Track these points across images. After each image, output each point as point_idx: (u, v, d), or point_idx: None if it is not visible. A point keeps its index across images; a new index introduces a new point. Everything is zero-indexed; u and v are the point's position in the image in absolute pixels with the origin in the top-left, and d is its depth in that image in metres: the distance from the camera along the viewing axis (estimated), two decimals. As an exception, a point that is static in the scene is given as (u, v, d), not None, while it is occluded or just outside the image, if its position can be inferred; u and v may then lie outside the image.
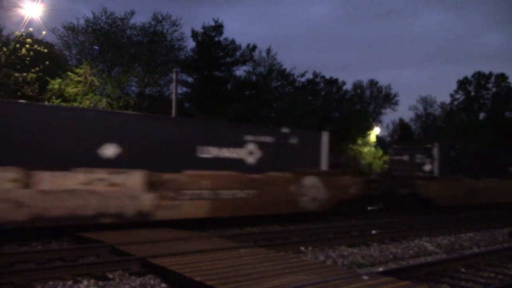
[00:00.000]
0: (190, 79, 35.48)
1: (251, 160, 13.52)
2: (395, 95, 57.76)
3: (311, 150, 15.14)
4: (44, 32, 18.24)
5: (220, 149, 12.86)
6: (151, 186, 11.47)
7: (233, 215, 12.96)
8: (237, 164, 13.18)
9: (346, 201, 15.95)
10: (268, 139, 13.96)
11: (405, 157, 21.01)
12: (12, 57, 17.89)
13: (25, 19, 16.95)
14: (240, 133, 13.43)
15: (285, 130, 14.61)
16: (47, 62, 18.96)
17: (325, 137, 15.51)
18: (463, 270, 8.55)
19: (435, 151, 19.84)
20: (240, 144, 13.32)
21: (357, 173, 16.76)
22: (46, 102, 21.73)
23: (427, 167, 19.86)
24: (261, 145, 13.72)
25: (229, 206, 12.85)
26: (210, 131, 13.03)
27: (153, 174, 11.50)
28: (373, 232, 12.87)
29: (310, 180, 14.68)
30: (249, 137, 13.51)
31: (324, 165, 15.32)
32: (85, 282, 6.80)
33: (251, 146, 13.49)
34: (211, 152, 12.72)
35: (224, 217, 12.83)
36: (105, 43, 26.21)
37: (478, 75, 59.35)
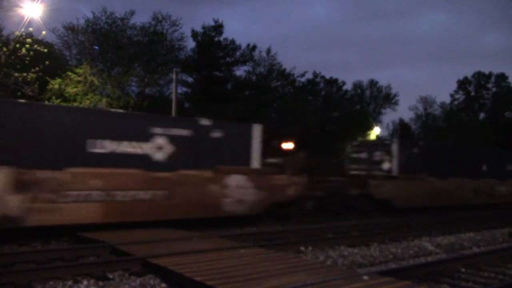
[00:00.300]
0: (190, 79, 35.59)
1: (159, 156, 11.78)
2: (395, 95, 57.93)
3: (240, 145, 13.34)
4: (44, 32, 18.31)
5: (119, 143, 11.14)
6: (20, 186, 9.71)
7: (133, 220, 11.13)
8: (142, 161, 11.46)
9: (283, 203, 14.15)
10: (184, 132, 12.28)
11: (364, 155, 19.24)
12: (12, 57, 17.91)
13: (25, 19, 17.00)
14: (146, 125, 11.67)
15: (205, 122, 12.89)
16: (47, 62, 18.97)
17: (257, 131, 13.62)
18: (463, 270, 8.54)
19: (394, 148, 18.14)
20: (146, 137, 11.60)
21: (299, 171, 14.59)
22: (46, 102, 21.76)
23: (386, 166, 18.16)
24: (173, 139, 12.01)
25: (128, 210, 11.10)
26: (105, 122, 11.22)
27: (22, 171, 9.74)
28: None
29: (235, 180, 12.98)
30: (158, 130, 11.78)
31: (256, 162, 13.56)
32: (85, 282, 6.81)
33: (160, 140, 11.80)
34: (107, 146, 10.97)
35: (122, 222, 10.95)
36: (105, 43, 26.27)
37: (478, 75, 59.36)
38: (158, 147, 11.80)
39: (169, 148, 11.97)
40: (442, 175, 19.21)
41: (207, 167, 12.56)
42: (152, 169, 11.58)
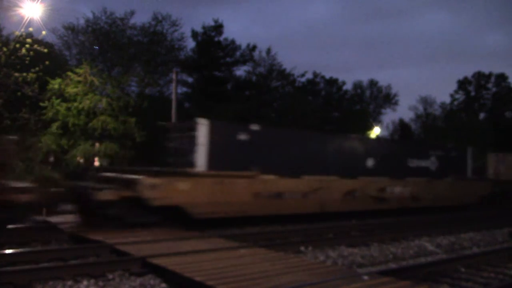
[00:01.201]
0: (190, 79, 35.63)
1: None
2: (395, 95, 58.15)
3: None
4: (44, 32, 18.33)
5: None
6: None
7: None
8: None
9: None
10: None
11: (174, 144, 14.02)
12: (12, 57, 17.91)
13: (25, 19, 17.00)
14: None
15: None
16: (47, 62, 18.97)
17: None
18: (463, 270, 8.54)
19: (201, 133, 12.79)
20: None
21: None
22: (46, 102, 21.76)
23: (190, 158, 12.96)
24: None
25: None
26: None
27: None
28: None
29: None
30: None
31: None
32: (85, 282, 6.81)
33: None
34: None
35: None
36: (105, 43, 26.28)
37: (478, 75, 59.38)
38: None
39: None
40: (291, 172, 14.12)
41: None
42: None
